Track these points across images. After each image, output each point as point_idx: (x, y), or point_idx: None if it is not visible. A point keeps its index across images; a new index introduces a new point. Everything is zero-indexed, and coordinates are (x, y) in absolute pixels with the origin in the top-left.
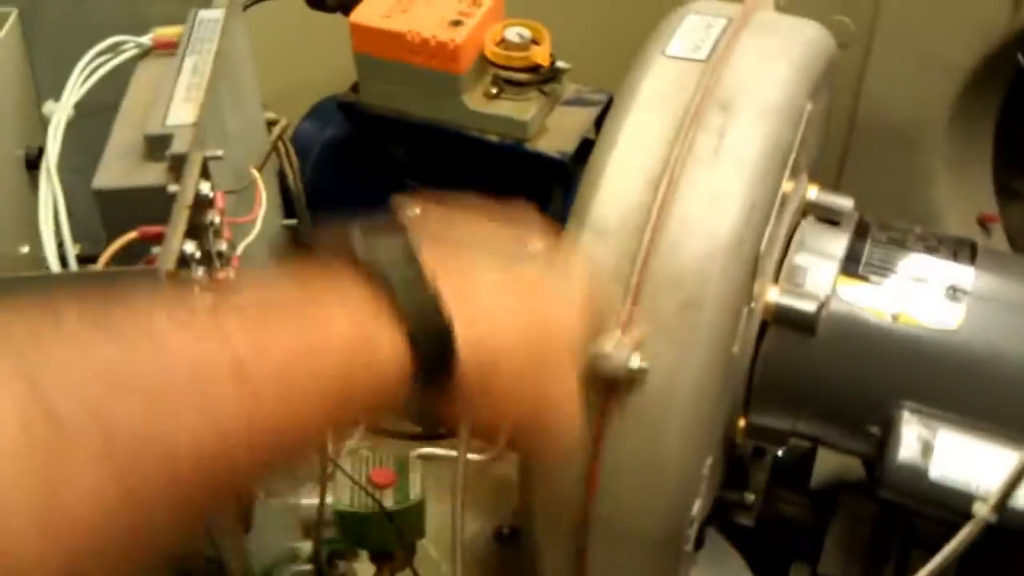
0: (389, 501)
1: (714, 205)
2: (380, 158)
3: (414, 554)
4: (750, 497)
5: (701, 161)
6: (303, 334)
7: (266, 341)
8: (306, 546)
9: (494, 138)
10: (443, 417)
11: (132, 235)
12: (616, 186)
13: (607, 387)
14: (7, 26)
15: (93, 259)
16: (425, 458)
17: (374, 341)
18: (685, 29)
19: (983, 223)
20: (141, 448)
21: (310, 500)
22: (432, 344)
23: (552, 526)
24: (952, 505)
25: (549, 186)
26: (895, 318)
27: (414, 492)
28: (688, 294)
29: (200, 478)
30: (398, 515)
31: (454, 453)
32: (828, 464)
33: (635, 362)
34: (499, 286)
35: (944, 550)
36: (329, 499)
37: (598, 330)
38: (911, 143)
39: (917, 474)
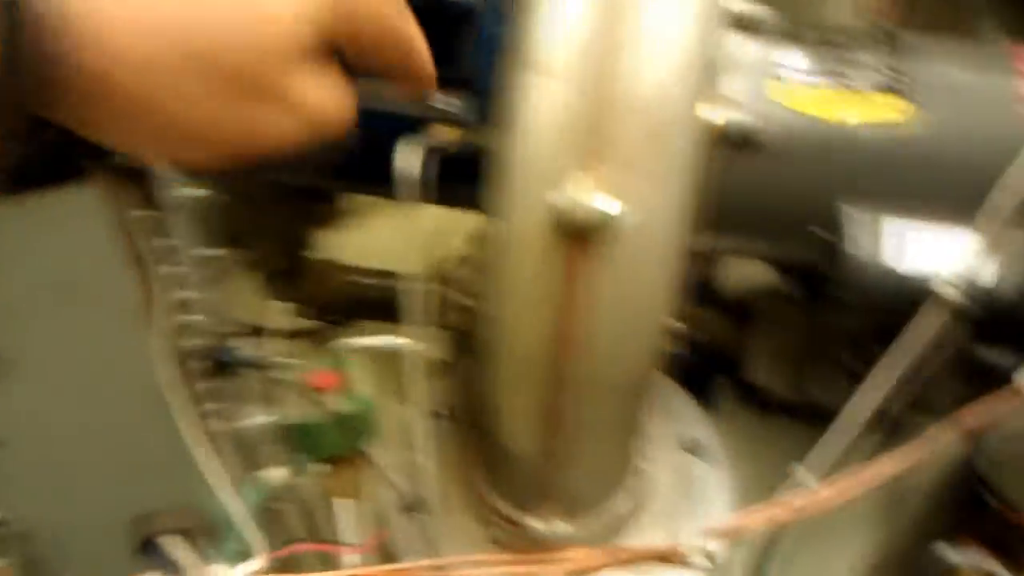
0: (337, 405)
1: (668, 20)
2: None
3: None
4: (678, 324)
5: None
6: None
7: None
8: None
9: None
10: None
11: None
12: (557, 17)
13: (576, 237)
14: None
15: None
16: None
17: None
18: None
19: None
20: None
21: (253, 421)
22: None
23: (521, 391)
24: (915, 293)
25: (460, 34)
26: (837, 119)
27: (363, 390)
28: (654, 121)
29: None
30: (352, 417)
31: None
32: (733, 275)
33: (608, 205)
34: None
35: (909, 335)
36: (268, 417)
37: (558, 176)
38: None
39: (874, 268)
